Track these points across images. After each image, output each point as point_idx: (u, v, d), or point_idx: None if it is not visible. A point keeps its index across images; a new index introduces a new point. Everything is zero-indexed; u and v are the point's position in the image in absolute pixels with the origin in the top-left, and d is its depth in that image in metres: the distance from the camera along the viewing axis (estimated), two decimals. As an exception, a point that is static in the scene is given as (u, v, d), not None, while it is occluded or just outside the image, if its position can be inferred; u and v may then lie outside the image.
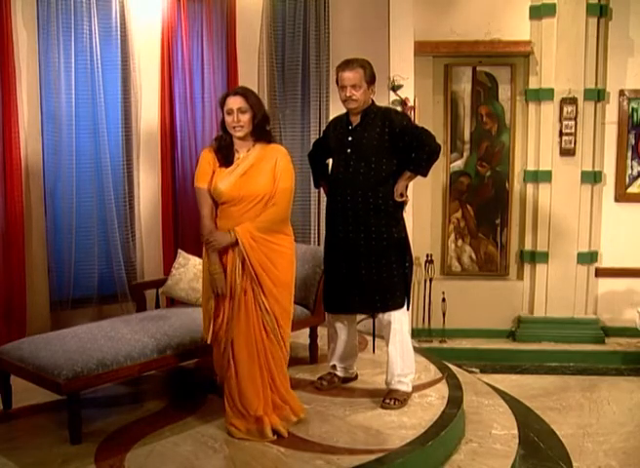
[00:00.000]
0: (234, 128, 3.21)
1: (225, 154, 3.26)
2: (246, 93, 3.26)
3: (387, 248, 3.63)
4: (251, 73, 5.16)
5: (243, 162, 3.25)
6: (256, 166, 3.24)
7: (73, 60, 4.51)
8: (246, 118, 3.20)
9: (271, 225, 3.21)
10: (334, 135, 3.80)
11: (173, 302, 4.54)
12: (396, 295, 3.66)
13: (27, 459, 3.04)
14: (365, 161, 3.61)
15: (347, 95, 3.58)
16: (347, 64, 3.61)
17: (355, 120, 3.68)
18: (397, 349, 3.70)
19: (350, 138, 3.67)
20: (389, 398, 3.66)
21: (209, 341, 3.29)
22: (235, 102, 3.20)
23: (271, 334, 3.22)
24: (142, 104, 4.95)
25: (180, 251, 4.42)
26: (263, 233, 3.18)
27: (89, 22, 4.56)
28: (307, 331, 4.25)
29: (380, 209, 3.62)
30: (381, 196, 3.62)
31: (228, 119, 3.22)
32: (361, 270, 3.65)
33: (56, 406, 3.47)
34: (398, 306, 3.67)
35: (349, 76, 3.58)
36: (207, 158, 3.30)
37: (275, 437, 3.20)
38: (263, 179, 3.21)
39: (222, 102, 3.26)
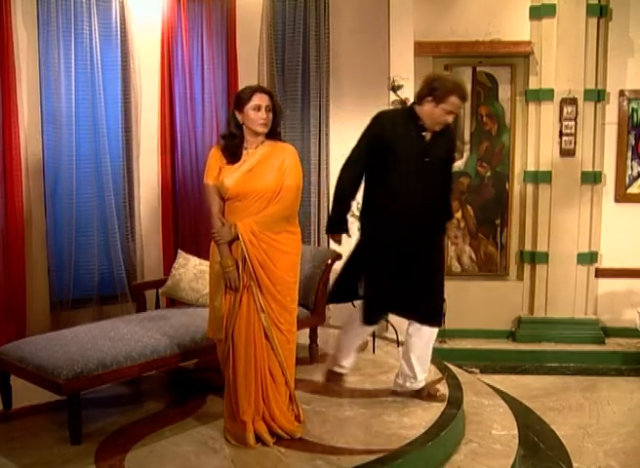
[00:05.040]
0: (260, 124, 3.22)
1: (232, 151, 3.27)
2: (271, 93, 3.33)
3: (439, 262, 3.71)
4: (251, 73, 5.14)
5: (250, 158, 3.25)
6: (262, 163, 3.24)
7: (73, 60, 4.51)
8: (271, 116, 3.25)
9: (272, 222, 3.19)
10: (402, 139, 3.56)
11: (173, 302, 4.54)
12: (438, 311, 3.71)
13: (27, 459, 3.05)
14: (436, 173, 3.59)
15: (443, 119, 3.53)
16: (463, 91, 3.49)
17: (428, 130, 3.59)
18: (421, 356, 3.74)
19: (428, 147, 3.57)
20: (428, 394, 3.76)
21: (220, 337, 3.25)
22: (264, 99, 3.23)
23: (269, 334, 3.19)
24: (142, 105, 4.95)
25: (179, 251, 4.43)
26: (264, 229, 3.16)
27: (89, 22, 4.56)
28: (307, 331, 4.24)
29: (442, 223, 3.69)
30: (446, 211, 3.70)
31: (256, 114, 3.20)
32: (417, 287, 3.58)
33: (56, 406, 3.47)
34: (440, 323, 3.73)
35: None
36: (215, 155, 3.31)
37: (258, 445, 3.17)
38: (269, 177, 3.21)
39: (247, 98, 3.22)
